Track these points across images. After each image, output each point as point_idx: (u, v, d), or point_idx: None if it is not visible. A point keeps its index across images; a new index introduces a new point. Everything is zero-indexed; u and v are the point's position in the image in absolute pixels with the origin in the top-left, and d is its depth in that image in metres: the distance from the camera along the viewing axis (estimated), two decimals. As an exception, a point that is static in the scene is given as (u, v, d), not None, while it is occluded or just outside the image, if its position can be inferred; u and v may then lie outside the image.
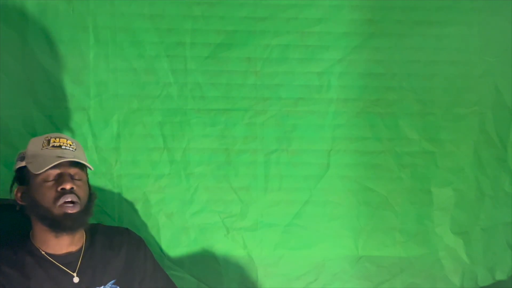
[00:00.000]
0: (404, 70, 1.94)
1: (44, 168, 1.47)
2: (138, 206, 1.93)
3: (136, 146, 1.91)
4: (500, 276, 2.00)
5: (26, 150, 1.55)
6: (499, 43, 1.94)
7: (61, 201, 1.47)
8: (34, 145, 1.55)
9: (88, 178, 1.62)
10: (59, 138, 1.57)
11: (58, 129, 1.86)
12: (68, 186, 1.48)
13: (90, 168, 1.57)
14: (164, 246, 1.93)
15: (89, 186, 1.61)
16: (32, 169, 1.49)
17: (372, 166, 1.96)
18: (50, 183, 1.49)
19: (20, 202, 1.55)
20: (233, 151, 1.94)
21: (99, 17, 1.86)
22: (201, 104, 1.92)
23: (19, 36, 1.84)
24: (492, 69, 1.94)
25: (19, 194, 1.55)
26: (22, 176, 1.55)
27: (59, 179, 1.49)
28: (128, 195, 1.92)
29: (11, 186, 1.58)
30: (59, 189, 1.48)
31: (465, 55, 1.94)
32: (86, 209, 1.53)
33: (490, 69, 1.94)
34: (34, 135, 1.86)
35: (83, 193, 1.53)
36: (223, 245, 1.96)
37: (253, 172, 1.95)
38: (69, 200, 1.48)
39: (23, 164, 1.53)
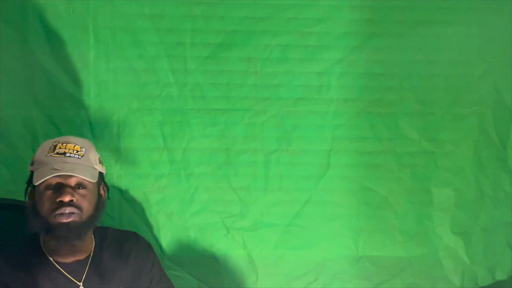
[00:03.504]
0: (404, 70, 1.94)
1: (40, 179, 1.41)
2: (138, 206, 1.93)
3: (136, 146, 1.91)
4: (500, 276, 2.00)
5: (35, 154, 1.50)
6: (499, 43, 1.94)
7: (57, 212, 1.40)
8: (42, 150, 1.49)
9: (101, 183, 1.54)
10: (66, 143, 1.48)
11: (58, 129, 1.87)
12: (66, 199, 1.40)
13: (89, 181, 1.46)
14: (164, 246, 1.93)
15: (100, 193, 1.52)
16: (34, 177, 1.44)
17: (372, 166, 1.96)
18: (50, 193, 1.42)
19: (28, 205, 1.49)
20: (233, 151, 1.94)
21: (99, 17, 1.86)
22: (201, 104, 1.92)
23: (19, 36, 1.84)
24: (492, 69, 1.94)
25: (29, 197, 1.50)
26: (32, 180, 1.48)
27: (59, 190, 1.42)
28: (128, 195, 1.92)
29: (27, 188, 1.52)
30: (57, 200, 1.41)
31: (465, 55, 1.94)
32: (89, 220, 1.45)
33: (490, 69, 1.94)
34: (34, 135, 1.86)
35: (86, 203, 1.44)
36: (223, 245, 1.96)
37: (253, 172, 1.95)
38: (66, 212, 1.40)
39: (31, 168, 1.48)
